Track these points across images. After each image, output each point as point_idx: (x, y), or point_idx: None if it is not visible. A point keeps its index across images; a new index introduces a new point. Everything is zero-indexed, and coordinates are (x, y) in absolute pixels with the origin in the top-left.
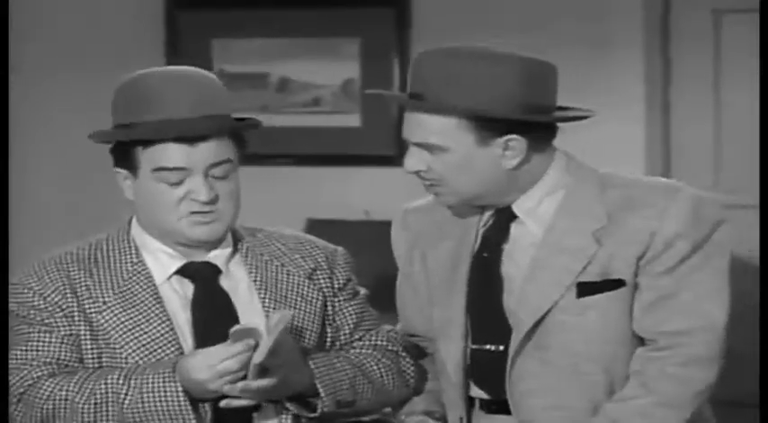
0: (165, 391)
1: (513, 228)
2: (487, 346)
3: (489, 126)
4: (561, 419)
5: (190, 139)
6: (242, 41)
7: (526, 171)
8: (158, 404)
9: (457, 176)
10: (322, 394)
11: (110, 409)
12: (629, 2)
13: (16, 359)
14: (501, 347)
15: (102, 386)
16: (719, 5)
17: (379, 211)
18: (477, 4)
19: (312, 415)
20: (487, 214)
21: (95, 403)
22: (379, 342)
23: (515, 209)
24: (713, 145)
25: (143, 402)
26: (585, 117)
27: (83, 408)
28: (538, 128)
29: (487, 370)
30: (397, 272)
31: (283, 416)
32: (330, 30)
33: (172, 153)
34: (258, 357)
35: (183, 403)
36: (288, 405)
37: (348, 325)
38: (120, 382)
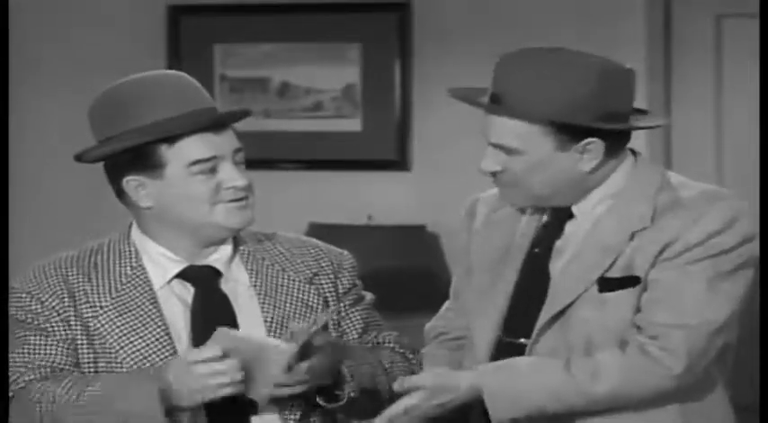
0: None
1: (568, 225)
2: (521, 340)
3: (568, 131)
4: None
5: (213, 127)
6: (243, 46)
7: (598, 173)
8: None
9: (532, 178)
10: (348, 379)
11: (98, 404)
12: (632, 6)
13: (14, 362)
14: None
15: (97, 384)
16: (721, 10)
17: (380, 215)
18: (479, 9)
19: (339, 404)
20: (548, 211)
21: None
22: (386, 344)
23: (575, 209)
24: (714, 148)
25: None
26: (659, 126)
27: (71, 403)
28: (615, 132)
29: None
30: (398, 277)
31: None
32: (331, 35)
33: (202, 143)
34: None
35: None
36: (317, 398)
37: (355, 329)
38: (111, 380)
